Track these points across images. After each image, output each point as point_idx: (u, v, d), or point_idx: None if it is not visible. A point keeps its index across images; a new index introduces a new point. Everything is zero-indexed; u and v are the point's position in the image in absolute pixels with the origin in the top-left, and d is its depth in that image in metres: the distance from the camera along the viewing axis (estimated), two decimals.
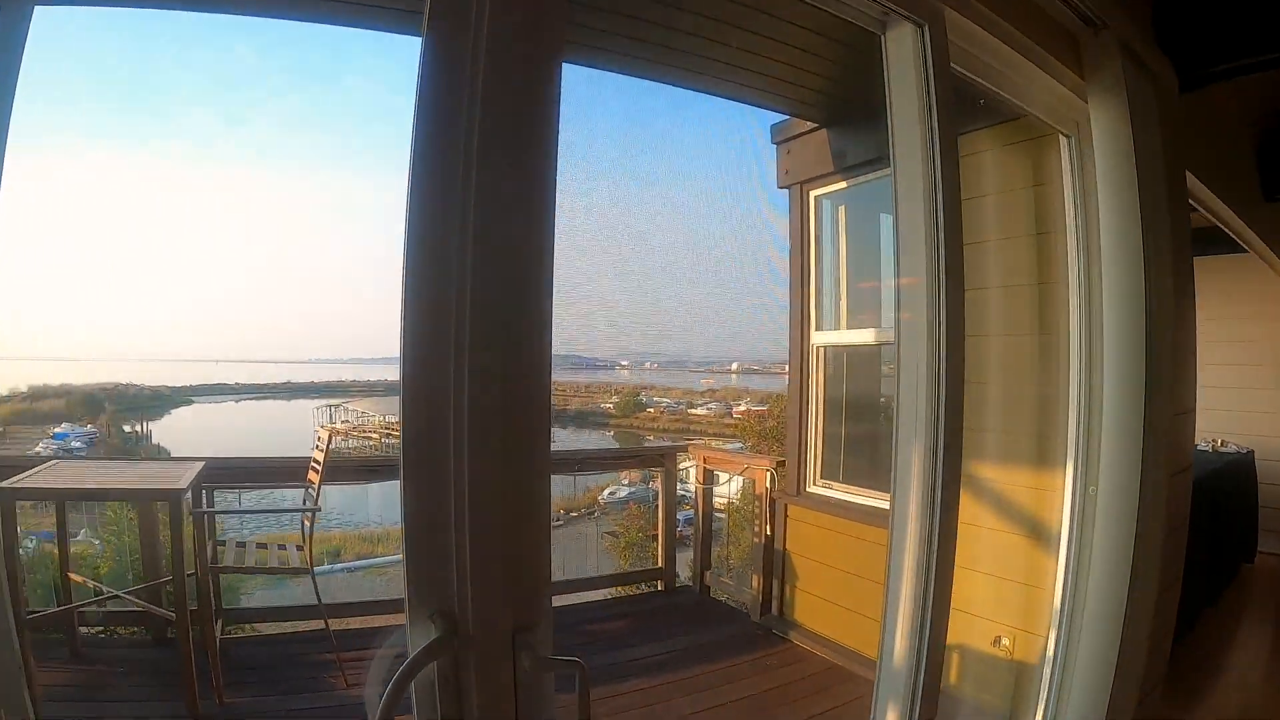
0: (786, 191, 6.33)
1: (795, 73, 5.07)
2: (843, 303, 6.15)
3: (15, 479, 4.54)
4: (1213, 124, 4.88)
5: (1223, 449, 8.31)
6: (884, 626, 2.52)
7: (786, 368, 6.33)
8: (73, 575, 5.26)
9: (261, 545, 5.49)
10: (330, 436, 5.51)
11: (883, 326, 5.87)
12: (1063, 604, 3.39)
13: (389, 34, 3.88)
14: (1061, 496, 3.46)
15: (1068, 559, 3.38)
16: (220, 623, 5.40)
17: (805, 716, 5.04)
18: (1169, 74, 3.49)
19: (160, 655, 5.26)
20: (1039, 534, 3.73)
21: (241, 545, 5.45)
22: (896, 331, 2.38)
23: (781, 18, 4.31)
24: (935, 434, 2.28)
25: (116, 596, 5.48)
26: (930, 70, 2.22)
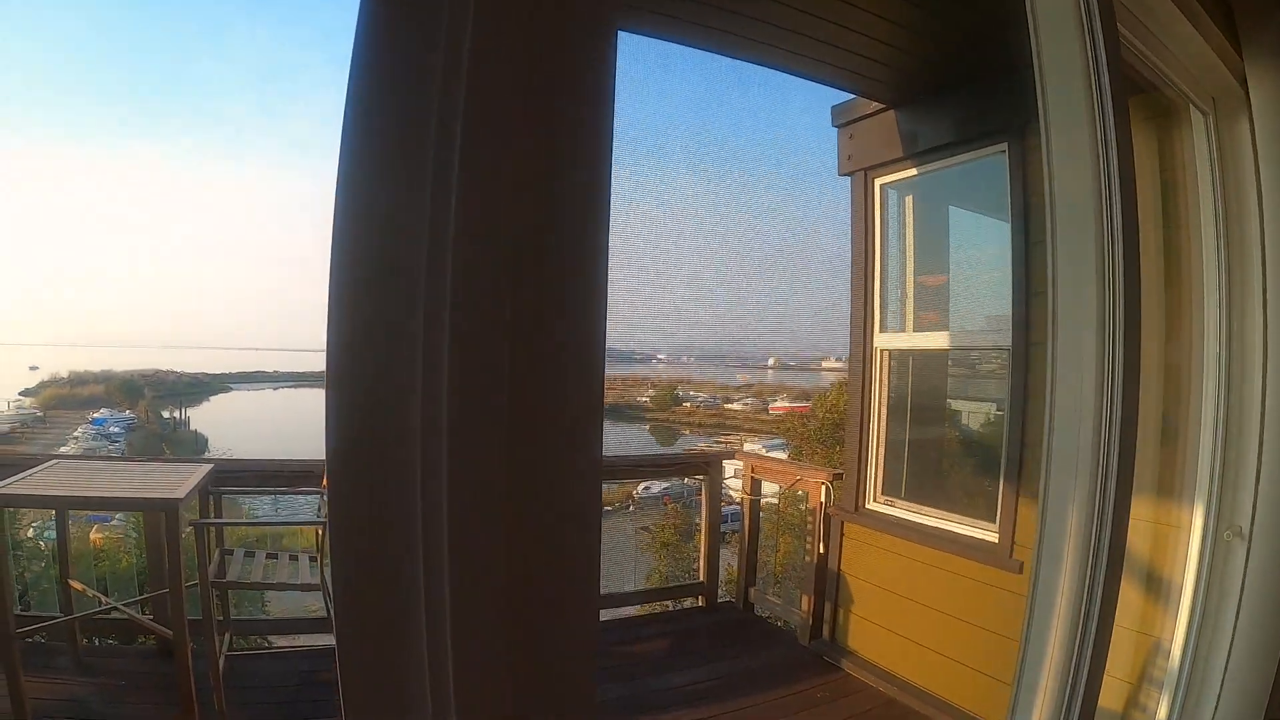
0: (848, 180, 5.78)
1: (863, 43, 4.55)
2: (909, 303, 5.64)
3: (10, 481, 4.28)
4: None
5: None
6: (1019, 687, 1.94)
7: (823, 364, 5.95)
8: (73, 583, 4.93)
9: (272, 556, 5.11)
10: None
11: (952, 330, 5.36)
12: (1181, 666, 2.89)
13: None
14: (1186, 537, 2.95)
15: (1192, 613, 2.88)
16: (229, 636, 5.08)
17: None
18: None
19: (166, 668, 4.82)
20: (1149, 578, 3.23)
21: (250, 555, 5.05)
22: (1051, 351, 1.85)
23: None
24: (1099, 484, 1.76)
25: (115, 608, 5.15)
26: (1097, 23, 1.69)
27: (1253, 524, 2.67)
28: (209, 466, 4.95)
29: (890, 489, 5.60)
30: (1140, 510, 3.29)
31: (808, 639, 6.00)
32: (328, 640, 5.52)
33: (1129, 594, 3.27)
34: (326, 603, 4.96)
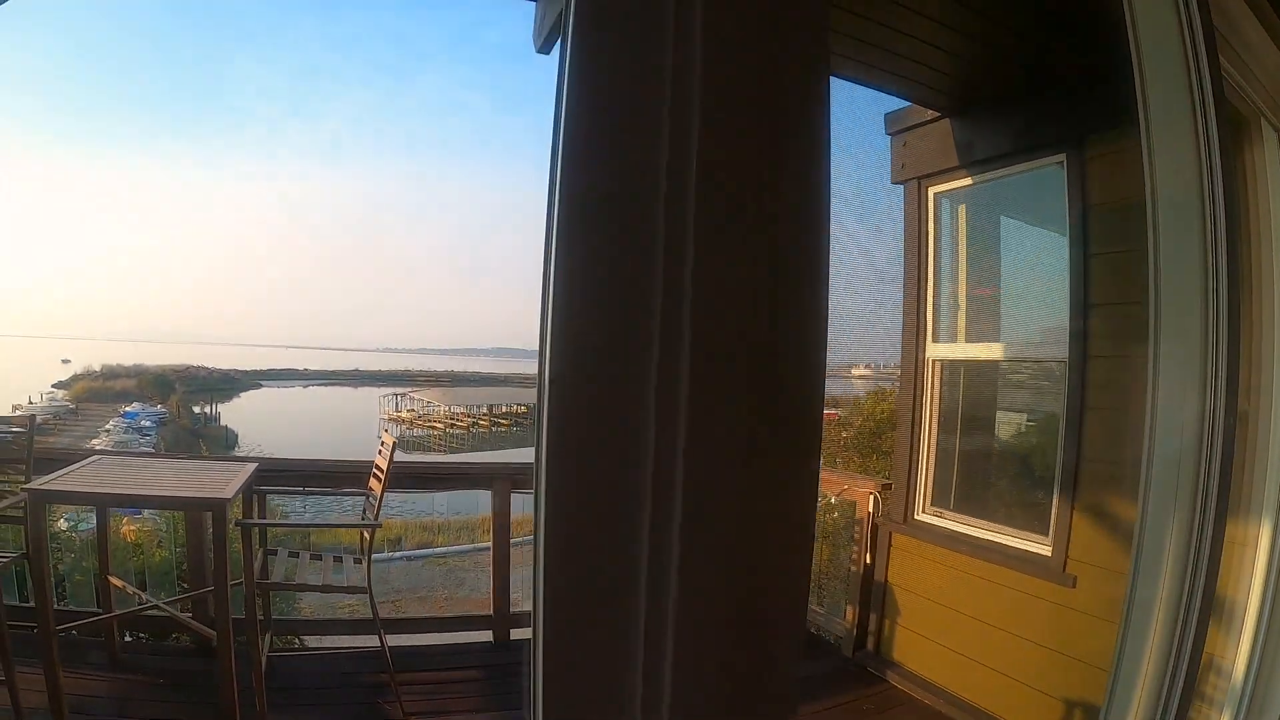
0: (900, 188, 5.77)
1: (921, 50, 4.53)
2: (961, 314, 5.62)
3: (52, 477, 4.26)
4: None
5: None
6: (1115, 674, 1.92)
7: (852, 371, 5.95)
8: (113, 579, 4.98)
9: (316, 557, 5.10)
10: (394, 445, 5.07)
11: (1003, 340, 5.33)
12: (1244, 687, 2.85)
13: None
14: (1253, 554, 2.91)
15: (1256, 631, 2.84)
16: (269, 636, 5.05)
17: None
18: None
19: (204, 666, 4.93)
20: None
21: (294, 556, 5.08)
22: (1153, 373, 1.82)
23: None
24: (1199, 504, 1.73)
25: (155, 606, 5.15)
26: (1198, 37, 1.67)
27: None
28: (254, 466, 4.92)
29: (939, 500, 5.58)
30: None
31: (851, 651, 5.97)
32: (366, 642, 5.46)
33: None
34: (372, 605, 4.97)
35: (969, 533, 5.26)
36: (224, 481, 4.54)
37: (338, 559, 5.12)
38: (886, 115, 5.84)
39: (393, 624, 5.47)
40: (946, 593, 5.36)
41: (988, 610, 4.96)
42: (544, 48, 4.17)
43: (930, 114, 5.48)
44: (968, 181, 5.45)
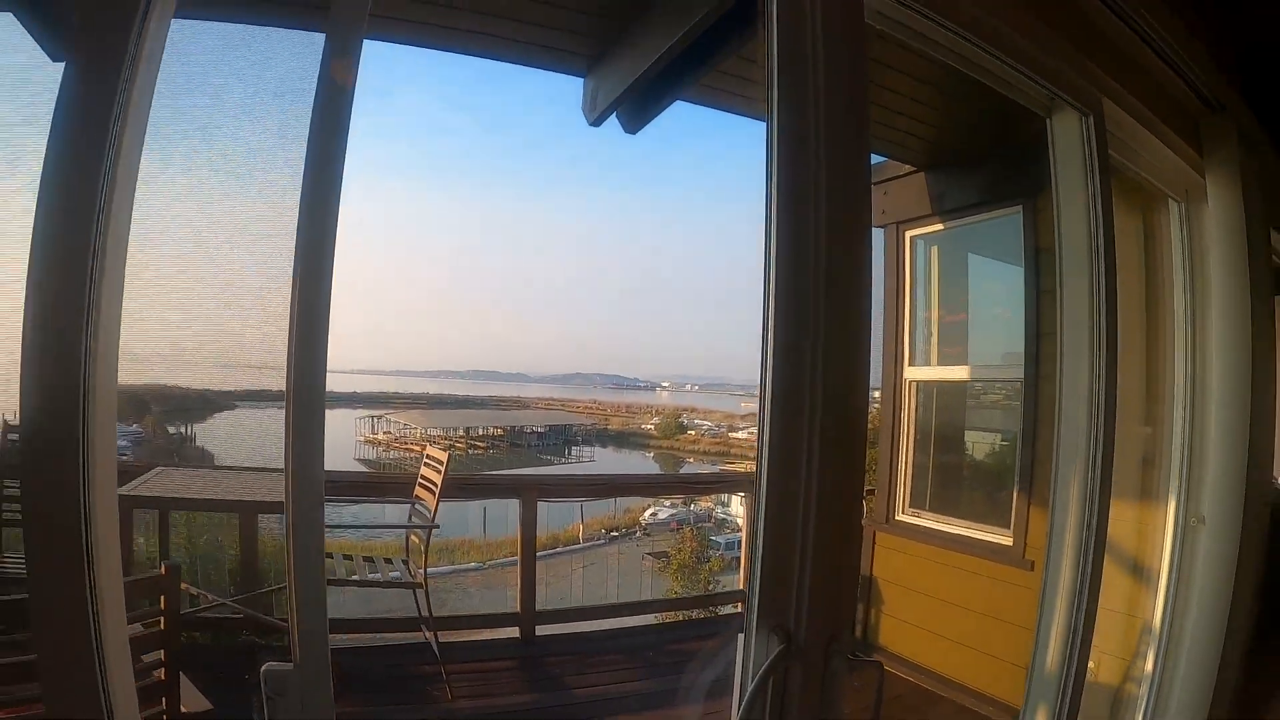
0: (880, 231, 6.56)
1: (899, 118, 5.32)
2: (934, 340, 6.41)
3: (132, 485, 4.83)
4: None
5: None
6: (1036, 639, 2.80)
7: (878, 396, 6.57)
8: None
9: (368, 559, 5.69)
10: (449, 459, 5.73)
11: (970, 363, 6.13)
12: (1162, 628, 3.62)
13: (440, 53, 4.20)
14: (1162, 531, 3.70)
15: (1168, 585, 3.62)
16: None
17: None
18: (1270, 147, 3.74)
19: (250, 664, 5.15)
20: (1134, 564, 3.96)
21: (349, 558, 5.62)
22: (1059, 407, 2.64)
23: (889, 64, 4.54)
24: (1089, 508, 2.54)
25: (222, 604, 5.68)
26: (1094, 159, 2.50)
27: (1203, 514, 3.47)
28: None
29: (917, 502, 6.33)
30: (1128, 512, 4.05)
31: None
32: (407, 638, 6.03)
33: (1120, 582, 4.02)
34: (416, 601, 5.57)
35: (943, 529, 6.02)
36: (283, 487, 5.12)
37: (388, 561, 5.74)
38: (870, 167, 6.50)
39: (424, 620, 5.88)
40: (924, 582, 6.10)
41: (960, 595, 5.68)
42: (598, 121, 4.59)
43: (908, 168, 6.25)
44: (940, 226, 6.24)
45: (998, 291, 6.28)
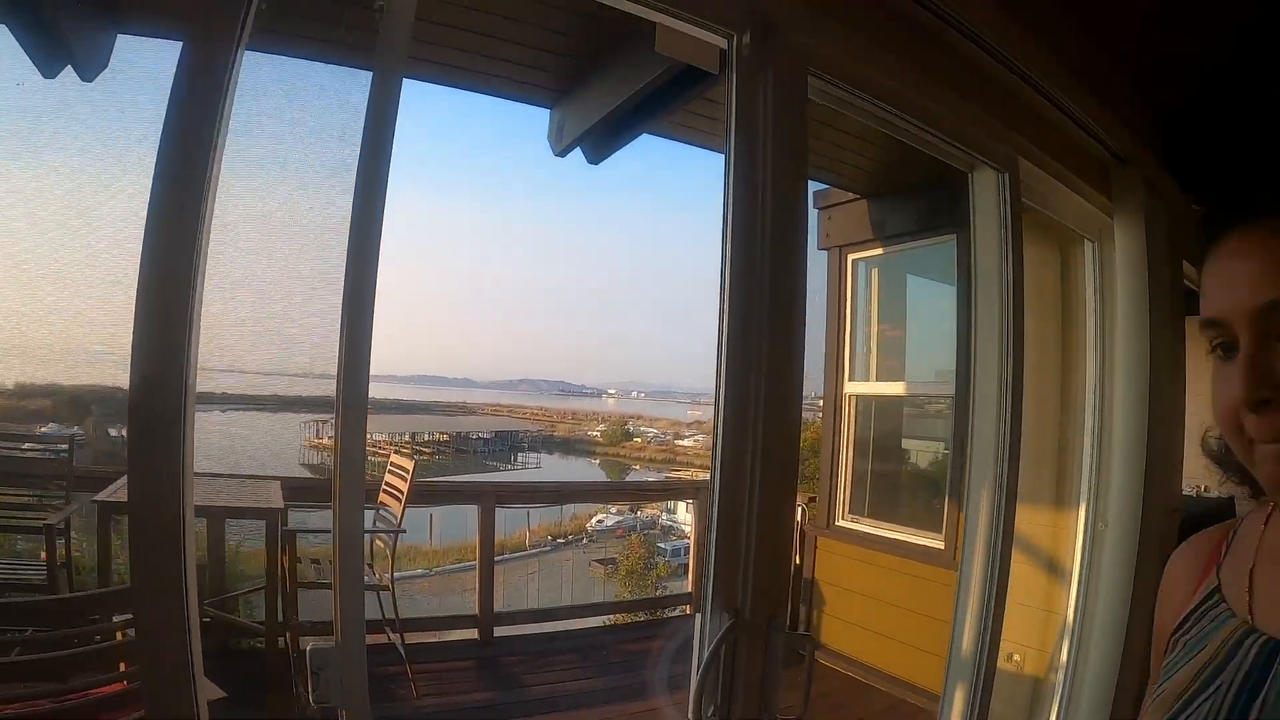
0: (825, 253, 7.00)
1: (844, 151, 5.71)
2: (873, 357, 6.85)
3: (107, 492, 4.92)
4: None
5: (1205, 494, 9.06)
6: (954, 626, 3.14)
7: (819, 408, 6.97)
8: None
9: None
10: (414, 467, 6.03)
11: (907, 379, 6.57)
12: (1074, 622, 4.03)
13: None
14: (1074, 534, 4.12)
15: (1079, 584, 4.03)
16: (289, 634, 5.62)
17: None
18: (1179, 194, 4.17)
19: (221, 665, 5.30)
20: (1052, 564, 4.37)
21: (316, 563, 5.74)
22: (971, 430, 3.05)
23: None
24: (998, 510, 2.93)
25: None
26: (1008, 211, 2.91)
27: (1108, 519, 3.89)
28: (278, 482, 5.71)
29: (856, 508, 6.75)
30: (1045, 516, 4.46)
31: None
32: (373, 639, 5.97)
33: (1040, 580, 4.42)
34: (380, 604, 5.80)
35: (880, 533, 6.44)
36: (268, 495, 5.36)
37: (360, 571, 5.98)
38: (815, 192, 6.94)
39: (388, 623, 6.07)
40: (863, 583, 6.51)
41: (896, 595, 6.05)
42: (563, 153, 4.85)
43: (851, 195, 6.65)
44: (880, 251, 6.67)
45: (934, 311, 6.71)
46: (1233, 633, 0.99)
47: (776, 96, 2.01)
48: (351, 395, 1.85)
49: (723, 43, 2.07)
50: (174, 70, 1.56)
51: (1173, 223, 3.92)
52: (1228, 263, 0.93)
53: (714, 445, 2.06)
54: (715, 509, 2.05)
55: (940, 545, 5.78)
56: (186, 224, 1.59)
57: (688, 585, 8.54)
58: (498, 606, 7.56)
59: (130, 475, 1.65)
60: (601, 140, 4.78)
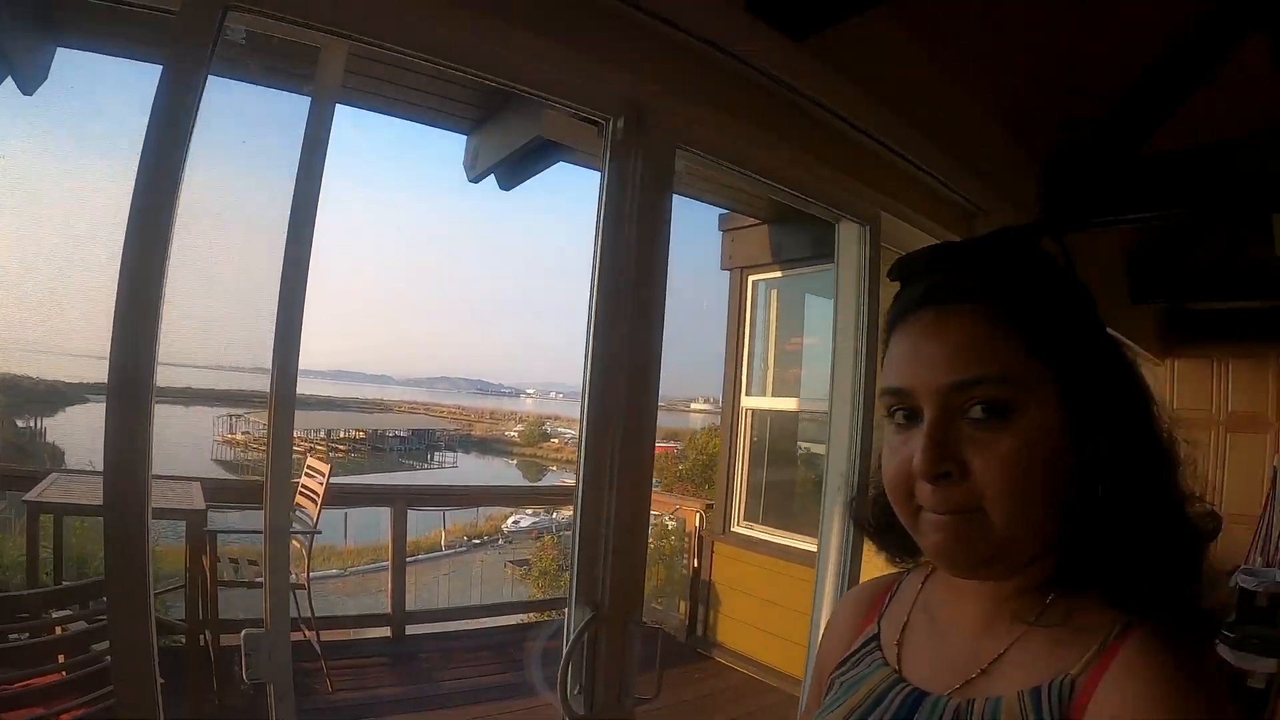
0: (727, 274, 7.38)
1: (743, 177, 6.03)
2: (770, 374, 7.24)
3: (33, 493, 4.95)
4: (1078, 255, 6.05)
5: None
6: (812, 620, 3.60)
7: (691, 405, 7.31)
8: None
9: (253, 562, 5.95)
10: (329, 470, 6.26)
11: (803, 398, 7.00)
12: None
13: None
14: None
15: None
16: (209, 632, 5.71)
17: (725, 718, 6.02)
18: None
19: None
20: None
21: (235, 562, 5.91)
22: (829, 444, 3.43)
23: None
24: (845, 527, 3.36)
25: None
26: (868, 258, 3.31)
27: None
28: (198, 483, 5.84)
29: (751, 515, 7.12)
30: None
31: (685, 636, 7.42)
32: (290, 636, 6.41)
33: None
34: (296, 602, 5.89)
35: (773, 539, 6.79)
36: (189, 495, 5.49)
37: (287, 567, 6.17)
38: (720, 215, 7.28)
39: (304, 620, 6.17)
40: (757, 585, 6.83)
41: (787, 597, 6.32)
42: (476, 179, 5.07)
43: (752, 220, 6.98)
44: (779, 274, 7.03)
45: (829, 331, 7.08)
46: (883, 680, 1.11)
47: (645, 172, 2.31)
48: (283, 392, 2.15)
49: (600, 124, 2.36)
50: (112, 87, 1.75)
51: None
52: (921, 339, 1.00)
53: (579, 455, 2.34)
54: (578, 513, 2.32)
55: (814, 547, 6.14)
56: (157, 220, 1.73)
57: None
58: (414, 605, 7.81)
59: (106, 474, 1.73)
60: (515, 169, 5.02)
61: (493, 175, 5.14)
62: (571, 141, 2.85)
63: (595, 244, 2.32)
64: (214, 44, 1.72)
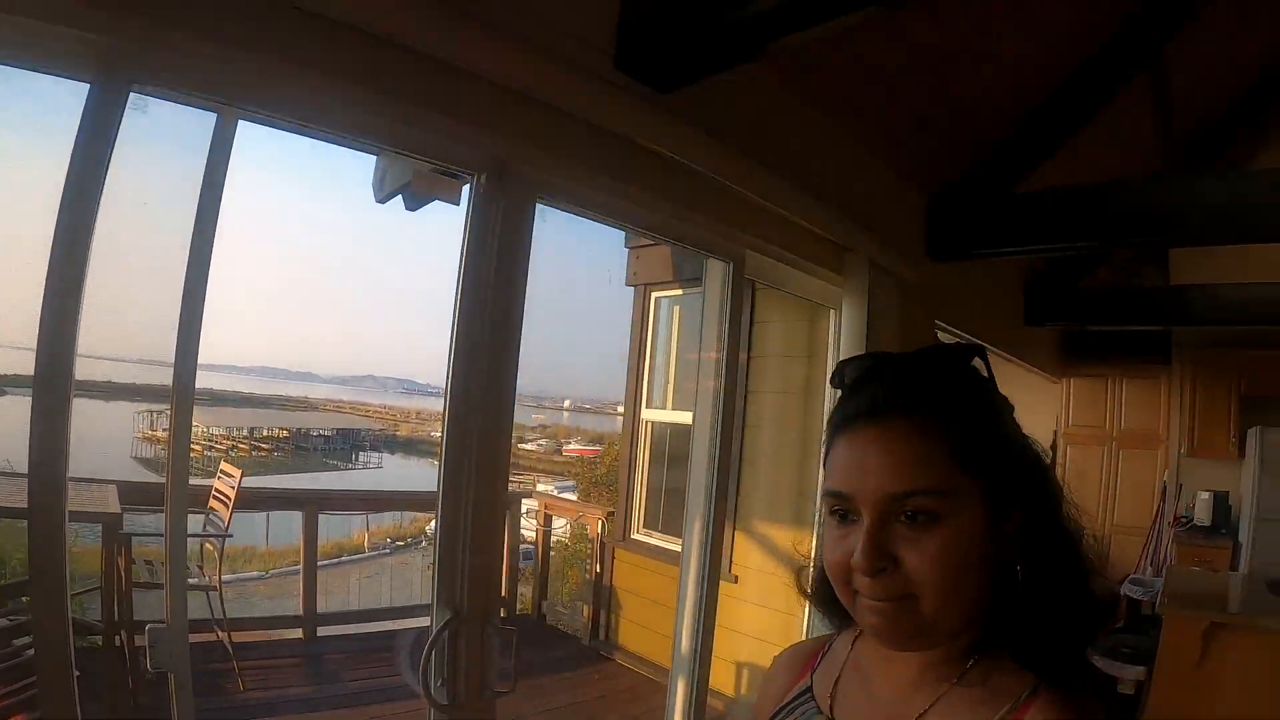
0: (631, 290, 7.66)
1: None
2: (670, 386, 7.51)
3: None
4: (973, 280, 6.39)
5: None
6: (676, 628, 3.86)
7: (618, 408, 7.55)
8: None
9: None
10: (241, 476, 6.44)
11: (696, 410, 7.27)
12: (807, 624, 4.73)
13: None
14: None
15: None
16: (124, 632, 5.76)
17: (625, 717, 6.31)
18: (917, 265, 4.89)
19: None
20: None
21: (149, 563, 5.96)
22: (691, 456, 3.73)
23: None
24: (710, 513, 3.62)
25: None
26: (730, 290, 3.60)
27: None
28: (114, 486, 6.02)
29: (650, 523, 7.41)
30: (786, 531, 5.18)
31: (588, 639, 7.72)
32: (203, 638, 6.28)
33: (781, 587, 5.09)
34: (210, 604, 6.11)
35: (671, 546, 6.99)
36: (103, 498, 5.63)
37: (185, 566, 6.33)
38: (625, 234, 7.37)
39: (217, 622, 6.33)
40: (655, 591, 7.07)
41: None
42: (384, 200, 5.21)
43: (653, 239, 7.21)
44: (680, 291, 7.30)
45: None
46: None
47: (505, 221, 2.55)
48: (183, 384, 2.37)
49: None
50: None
51: (906, 290, 4.66)
52: (863, 450, 1.11)
53: (439, 462, 2.54)
54: (438, 518, 2.52)
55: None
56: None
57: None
58: (334, 607, 7.99)
59: (30, 477, 1.85)
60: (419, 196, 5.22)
61: (400, 197, 5.30)
62: (438, 193, 3.05)
63: (456, 289, 2.53)
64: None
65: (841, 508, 1.12)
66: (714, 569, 3.63)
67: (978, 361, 1.23)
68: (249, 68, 2.03)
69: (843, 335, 4.40)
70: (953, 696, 1.11)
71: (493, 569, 2.67)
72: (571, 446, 30.54)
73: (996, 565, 1.10)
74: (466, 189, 2.66)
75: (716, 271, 3.71)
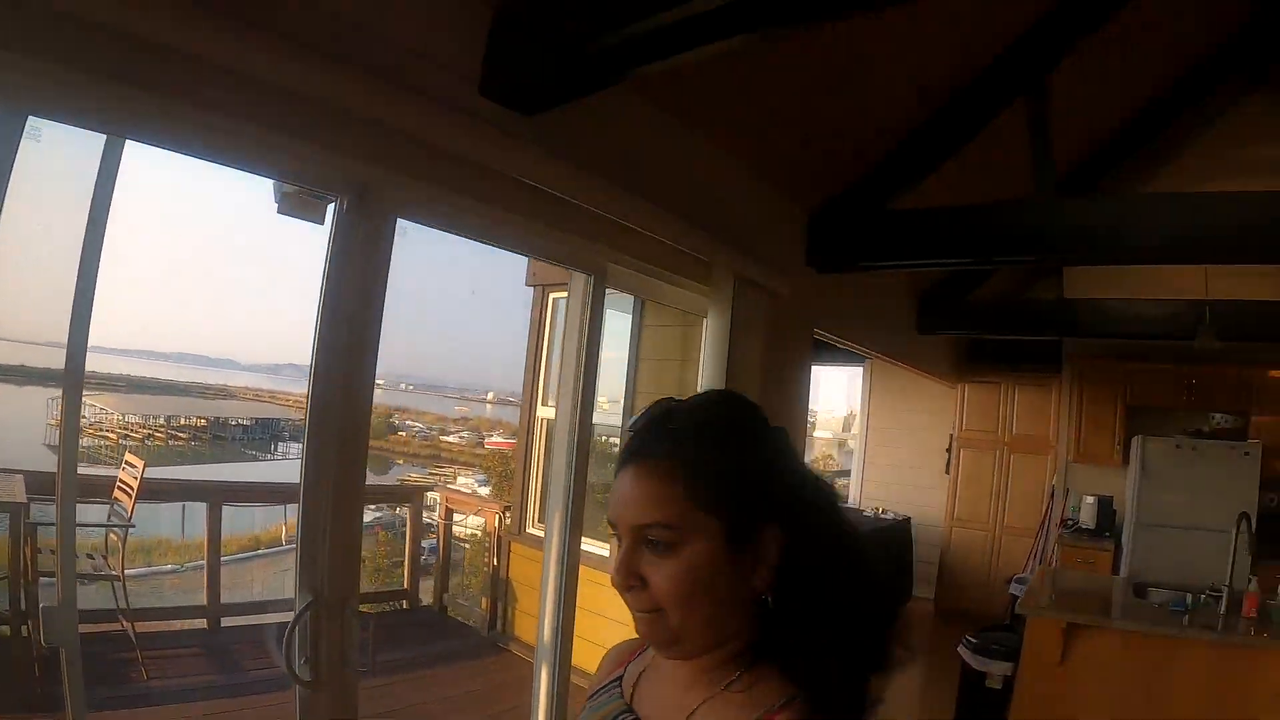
0: (531, 290, 7.89)
1: None
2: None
3: None
4: (863, 291, 6.77)
5: (883, 515, 10.60)
6: (541, 615, 4.26)
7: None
8: None
9: (91, 556, 6.28)
10: (144, 467, 6.56)
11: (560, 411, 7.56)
12: None
13: None
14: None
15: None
16: (31, 622, 5.67)
17: (510, 705, 6.55)
18: (789, 278, 5.12)
19: None
20: None
21: (55, 552, 6.01)
22: (553, 452, 4.00)
23: None
24: (569, 506, 3.98)
25: None
26: (590, 301, 3.88)
27: None
28: (20, 476, 6.00)
29: (544, 518, 7.50)
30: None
31: (486, 630, 7.96)
32: (108, 628, 6.44)
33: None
34: (115, 594, 6.21)
35: None
36: (11, 487, 5.68)
37: (90, 556, 6.31)
38: None
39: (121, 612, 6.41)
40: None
41: (579, 597, 6.90)
42: (282, 211, 5.42)
43: None
44: None
45: (621, 348, 7.65)
46: (616, 709, 1.42)
47: (365, 240, 2.75)
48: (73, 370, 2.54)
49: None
50: None
51: (777, 301, 4.93)
52: (623, 485, 1.27)
53: (302, 450, 2.70)
54: (300, 505, 2.68)
55: (606, 552, 6.71)
56: None
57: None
58: (241, 599, 8.14)
59: None
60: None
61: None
62: (302, 213, 3.26)
63: (319, 302, 2.72)
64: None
65: (614, 532, 1.30)
66: (573, 558, 4.06)
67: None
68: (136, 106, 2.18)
69: (706, 343, 4.63)
70: (718, 701, 1.25)
71: (352, 555, 2.83)
72: (494, 439, 30.46)
73: (750, 588, 1.26)
74: (330, 207, 2.81)
75: (578, 287, 3.96)
